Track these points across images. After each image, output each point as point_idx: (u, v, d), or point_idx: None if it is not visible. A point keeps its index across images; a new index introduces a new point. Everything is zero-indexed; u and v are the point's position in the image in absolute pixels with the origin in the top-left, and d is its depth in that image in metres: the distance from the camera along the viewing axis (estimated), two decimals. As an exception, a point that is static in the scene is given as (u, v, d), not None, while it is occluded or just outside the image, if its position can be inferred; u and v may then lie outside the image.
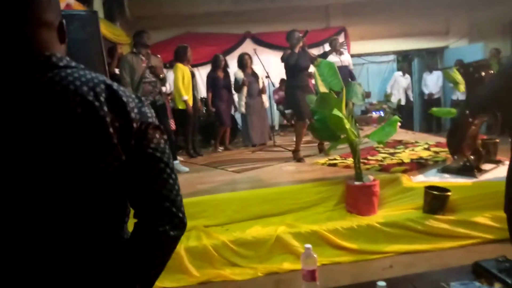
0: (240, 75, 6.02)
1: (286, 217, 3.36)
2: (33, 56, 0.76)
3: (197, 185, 3.94)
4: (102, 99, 0.77)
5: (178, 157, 5.12)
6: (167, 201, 0.83)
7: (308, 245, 1.57)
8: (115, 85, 0.82)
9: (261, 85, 6.17)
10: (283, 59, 4.64)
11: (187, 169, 4.66)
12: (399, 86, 9.28)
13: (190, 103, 5.25)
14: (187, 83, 5.25)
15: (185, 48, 5.35)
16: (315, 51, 6.49)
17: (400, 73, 9.46)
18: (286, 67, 4.67)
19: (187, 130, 5.55)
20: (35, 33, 0.77)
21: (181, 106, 5.24)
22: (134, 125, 0.80)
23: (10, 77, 0.74)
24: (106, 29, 5.51)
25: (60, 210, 0.76)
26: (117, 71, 4.76)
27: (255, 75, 6.16)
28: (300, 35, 4.67)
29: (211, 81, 5.90)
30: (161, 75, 4.50)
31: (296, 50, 4.59)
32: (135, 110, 0.81)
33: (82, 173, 0.76)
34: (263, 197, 3.47)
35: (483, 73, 3.68)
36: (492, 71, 3.82)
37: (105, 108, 0.77)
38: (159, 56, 5.25)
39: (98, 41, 3.80)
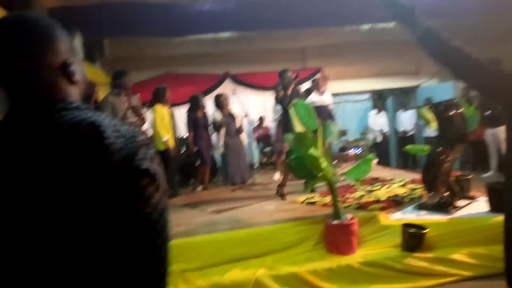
0: (218, 115, 6.08)
1: (265, 258, 3.29)
2: (33, 101, 0.76)
3: (174, 227, 3.81)
4: (83, 143, 0.70)
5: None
6: (147, 269, 0.72)
7: (284, 291, 1.54)
8: (104, 126, 0.73)
9: (238, 125, 6.23)
10: (277, 99, 4.78)
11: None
12: (375, 124, 9.54)
13: (171, 143, 5.24)
14: (167, 123, 5.26)
15: (164, 89, 5.41)
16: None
17: (375, 111, 9.74)
18: (282, 107, 4.84)
19: (167, 170, 5.49)
20: (31, 77, 0.77)
21: (161, 147, 5.21)
22: (114, 170, 0.70)
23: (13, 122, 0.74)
24: (86, 70, 5.54)
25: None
26: None
27: (231, 116, 6.23)
28: (292, 76, 4.92)
29: (192, 121, 5.93)
30: (142, 115, 4.51)
31: (289, 91, 4.76)
32: (122, 152, 0.71)
33: (58, 222, 0.70)
34: (242, 238, 3.42)
35: (452, 112, 3.83)
36: (461, 110, 3.98)
37: (84, 153, 0.70)
38: (138, 94, 5.27)
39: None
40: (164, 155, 5.27)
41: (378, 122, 9.62)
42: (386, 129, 9.76)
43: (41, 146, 0.71)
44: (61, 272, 0.70)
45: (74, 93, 0.82)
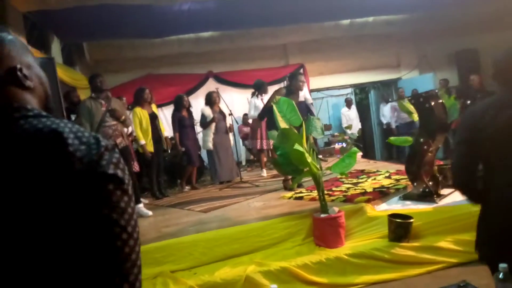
0: (208, 112, 6.05)
1: (255, 255, 3.32)
2: None
3: (162, 228, 3.84)
4: (44, 151, 0.68)
5: (143, 200, 5.00)
6: (118, 276, 0.69)
7: (274, 286, 1.55)
8: (66, 133, 0.71)
9: (228, 124, 6.22)
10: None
11: (150, 212, 4.53)
12: (349, 120, 9.61)
13: (149, 145, 5.20)
14: (146, 126, 5.20)
15: (142, 91, 5.35)
16: (276, 87, 6.64)
17: (346, 108, 9.82)
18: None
19: (151, 171, 5.46)
20: None
21: (141, 150, 5.18)
22: (78, 177, 0.68)
23: None
24: (65, 74, 5.47)
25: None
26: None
27: (222, 113, 6.22)
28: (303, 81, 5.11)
29: (178, 121, 5.89)
30: (122, 117, 4.46)
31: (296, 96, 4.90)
32: (84, 160, 0.69)
33: (17, 233, 0.67)
34: (231, 236, 3.43)
35: (432, 103, 3.90)
36: (441, 101, 4.06)
37: (45, 162, 0.68)
38: (124, 98, 5.21)
39: (55, 88, 3.77)
40: (143, 158, 5.24)
41: (350, 117, 9.69)
42: (358, 123, 9.81)
43: (1, 157, 0.69)
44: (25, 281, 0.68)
45: (30, 100, 0.79)
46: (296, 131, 3.55)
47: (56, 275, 0.69)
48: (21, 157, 0.69)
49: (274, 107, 3.67)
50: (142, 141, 5.12)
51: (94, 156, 0.71)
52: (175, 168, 6.50)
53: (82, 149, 0.71)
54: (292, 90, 4.90)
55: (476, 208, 3.39)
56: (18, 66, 0.79)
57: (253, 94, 6.54)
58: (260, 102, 6.42)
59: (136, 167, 5.30)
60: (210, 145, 6.04)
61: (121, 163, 0.75)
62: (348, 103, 9.87)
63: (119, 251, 0.69)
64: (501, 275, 1.52)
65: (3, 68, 0.78)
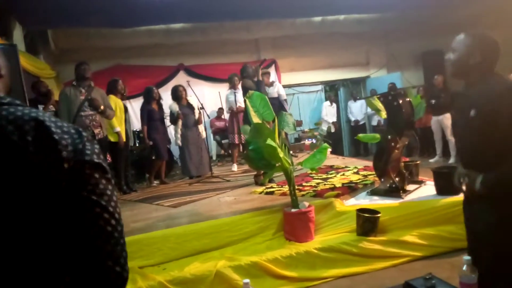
0: (175, 107, 5.95)
1: (226, 250, 3.31)
2: None
3: (131, 223, 3.76)
4: (29, 138, 0.69)
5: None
6: (110, 259, 0.72)
7: (246, 280, 1.55)
8: (47, 121, 0.72)
9: (196, 116, 6.15)
10: (244, 88, 4.85)
11: (118, 207, 4.43)
12: (329, 114, 9.80)
13: (123, 135, 5.09)
14: (120, 114, 5.11)
15: (117, 81, 5.31)
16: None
17: (328, 102, 10.01)
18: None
19: (119, 164, 5.31)
20: None
21: (113, 139, 5.02)
22: (66, 165, 0.70)
23: None
24: (28, 63, 5.23)
25: None
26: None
27: (190, 106, 6.13)
28: (256, 66, 5.11)
29: (147, 113, 5.77)
30: (100, 107, 4.33)
31: (259, 79, 4.95)
32: (69, 148, 0.72)
33: (5, 220, 0.67)
34: (201, 231, 3.40)
35: (400, 101, 4.01)
36: (409, 99, 4.18)
37: (31, 148, 0.68)
38: (102, 89, 5.06)
39: (18, 76, 3.60)
40: (114, 147, 5.10)
41: (331, 113, 9.89)
42: (335, 120, 10.05)
43: None
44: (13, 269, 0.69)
45: (1, 88, 0.79)
46: (268, 126, 3.55)
47: (44, 257, 0.71)
48: (2, 143, 0.68)
49: (247, 102, 3.65)
50: (117, 128, 5.00)
51: (79, 145, 0.74)
52: (143, 162, 6.38)
53: (66, 137, 0.73)
54: (251, 78, 5.04)
55: (439, 204, 3.54)
56: None
57: (229, 88, 6.58)
58: (233, 96, 6.41)
59: (108, 158, 5.19)
60: (179, 141, 5.96)
61: (101, 154, 0.78)
62: (331, 99, 10.03)
63: (110, 235, 0.73)
64: (464, 267, 1.59)
65: None
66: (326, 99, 10.37)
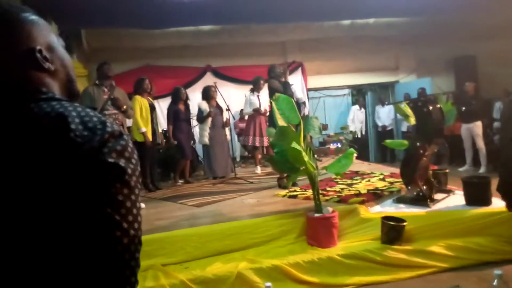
0: (205, 106, 6.02)
1: (247, 252, 3.31)
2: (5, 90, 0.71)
3: (155, 221, 3.82)
4: (49, 136, 0.66)
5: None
6: (109, 272, 0.68)
7: (269, 284, 1.54)
8: (72, 117, 0.68)
9: (225, 118, 6.20)
10: (271, 89, 4.82)
11: (143, 205, 4.51)
12: (357, 119, 9.69)
13: (149, 135, 5.18)
14: (146, 115, 5.20)
15: (143, 81, 5.36)
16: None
17: (357, 107, 9.90)
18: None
19: (145, 163, 5.40)
20: (7, 67, 0.73)
21: (138, 139, 5.12)
22: (78, 164, 0.66)
23: None
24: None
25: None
26: None
27: (219, 107, 6.19)
28: (284, 67, 5.18)
29: (173, 113, 5.86)
30: (123, 107, 4.43)
31: (284, 79, 4.98)
32: (85, 147, 0.67)
33: (27, 215, 0.66)
34: (224, 232, 3.41)
35: (430, 107, 3.91)
36: (439, 106, 4.07)
37: (47, 146, 0.66)
38: (122, 89, 5.16)
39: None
40: (141, 146, 5.20)
41: (359, 118, 9.79)
42: (364, 125, 9.93)
43: (4, 140, 0.67)
44: (22, 268, 0.67)
45: (50, 83, 0.76)
46: (294, 129, 3.54)
47: (53, 264, 0.67)
48: (28, 141, 0.67)
49: (273, 104, 3.65)
50: (143, 128, 5.09)
51: (95, 143, 0.68)
52: (169, 161, 6.47)
53: (85, 135, 0.68)
54: (279, 79, 5.01)
55: (468, 215, 3.43)
56: (38, 47, 0.76)
57: (251, 91, 6.55)
58: (256, 99, 6.42)
59: None
60: (206, 139, 6.02)
61: (126, 151, 0.71)
62: (360, 104, 9.94)
63: (116, 243, 0.67)
64: (495, 282, 1.53)
65: (23, 49, 0.75)
66: (354, 103, 10.25)
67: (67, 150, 0.66)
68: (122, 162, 0.69)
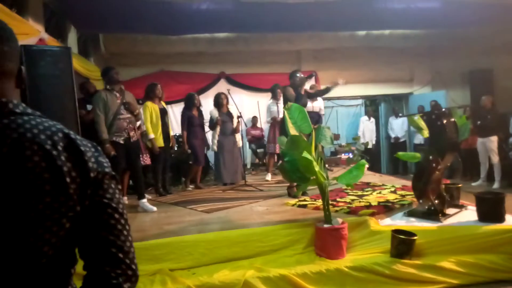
0: (216, 113, 6.09)
1: (255, 260, 3.30)
2: None
3: (164, 225, 3.84)
4: (60, 148, 0.76)
5: (147, 195, 5.01)
6: (121, 252, 0.81)
7: (275, 293, 1.54)
8: (72, 134, 0.81)
9: (235, 125, 6.24)
10: (289, 99, 4.83)
11: (154, 208, 4.55)
12: (367, 130, 9.63)
13: (158, 141, 5.22)
14: (155, 121, 5.24)
15: (154, 86, 5.41)
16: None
17: (366, 117, 9.84)
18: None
19: (157, 167, 5.46)
20: None
21: (149, 145, 5.20)
22: (92, 174, 0.80)
23: None
24: (80, 65, 5.51)
25: (5, 258, 0.72)
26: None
27: (229, 115, 6.24)
28: (304, 76, 5.06)
29: (187, 119, 5.91)
30: (136, 111, 4.50)
31: (302, 91, 4.94)
32: (92, 160, 0.81)
33: (35, 222, 0.73)
34: (232, 239, 3.41)
35: (444, 121, 3.88)
36: (453, 119, 4.03)
37: (63, 158, 0.76)
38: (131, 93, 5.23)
39: (70, 77, 3.79)
40: (151, 151, 5.27)
41: (369, 128, 9.72)
42: (374, 135, 9.84)
43: (11, 147, 0.73)
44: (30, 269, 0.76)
45: (16, 95, 0.83)
46: (305, 138, 3.54)
47: (61, 255, 0.79)
48: (38, 150, 0.75)
49: (285, 113, 3.66)
50: (152, 135, 5.15)
51: (99, 158, 0.83)
52: (181, 166, 6.51)
53: (88, 150, 0.82)
54: (296, 87, 4.95)
55: (481, 231, 3.37)
56: (22, 67, 0.85)
57: (271, 98, 6.66)
58: (275, 107, 6.47)
59: (147, 159, 5.36)
60: (215, 147, 6.09)
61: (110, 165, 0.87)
62: (369, 114, 9.89)
63: (120, 232, 0.82)
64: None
65: (15, 70, 0.83)
66: (366, 114, 10.18)
67: (82, 160, 0.79)
68: (113, 171, 0.87)
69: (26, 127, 0.75)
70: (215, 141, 6.10)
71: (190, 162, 6.11)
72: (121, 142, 4.36)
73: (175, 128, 7.24)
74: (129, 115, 4.43)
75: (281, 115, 6.35)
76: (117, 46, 7.75)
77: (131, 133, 4.44)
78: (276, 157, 6.62)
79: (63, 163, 0.76)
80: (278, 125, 6.35)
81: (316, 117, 6.33)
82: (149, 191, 5.67)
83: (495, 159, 6.70)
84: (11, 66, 0.81)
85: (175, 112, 7.55)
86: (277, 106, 6.47)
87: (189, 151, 5.93)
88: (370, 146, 9.43)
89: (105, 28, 6.91)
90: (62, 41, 5.62)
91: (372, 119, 9.87)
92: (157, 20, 6.28)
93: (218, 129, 6.09)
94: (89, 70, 6.04)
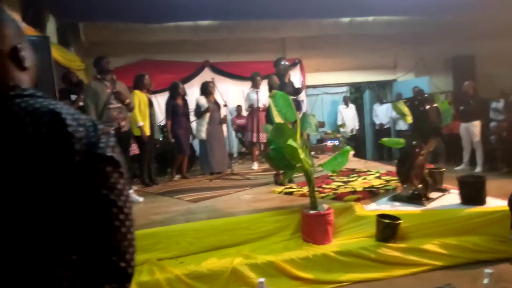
0: (203, 101, 6.02)
1: (242, 247, 3.32)
2: None
3: (151, 215, 3.82)
4: (44, 130, 0.71)
5: (133, 186, 4.96)
6: (115, 254, 0.72)
7: (262, 279, 1.55)
8: (64, 114, 0.73)
9: (222, 115, 6.21)
10: (274, 87, 4.80)
11: (141, 199, 4.52)
12: (346, 117, 9.68)
13: (146, 129, 5.18)
14: (144, 109, 5.21)
15: (143, 76, 5.41)
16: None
17: (344, 105, 9.88)
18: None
19: (143, 157, 5.41)
20: None
21: (136, 133, 5.14)
22: (77, 158, 0.71)
23: None
24: (59, 55, 5.38)
25: None
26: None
27: (216, 103, 6.20)
28: (288, 64, 5.04)
29: (171, 108, 5.85)
30: (126, 100, 4.43)
31: (286, 79, 4.92)
32: (83, 141, 0.72)
33: (15, 207, 0.70)
34: (219, 227, 3.42)
35: (427, 106, 3.92)
36: (436, 105, 4.08)
37: (45, 141, 0.70)
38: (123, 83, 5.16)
39: (49, 67, 3.71)
40: (139, 141, 5.22)
41: (348, 115, 9.76)
42: (357, 122, 9.90)
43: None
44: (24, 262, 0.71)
45: (25, 80, 0.80)
46: (290, 126, 3.54)
47: (54, 253, 0.73)
48: (20, 134, 0.70)
49: (270, 101, 3.65)
50: (141, 123, 5.11)
51: (93, 138, 0.74)
52: (166, 156, 6.47)
53: (81, 130, 0.73)
54: (280, 75, 4.94)
55: (463, 214, 3.44)
56: (19, 46, 0.80)
57: (251, 87, 6.57)
58: (254, 95, 6.42)
59: (136, 149, 5.32)
60: (203, 135, 6.02)
61: (117, 148, 0.78)
62: (346, 101, 9.91)
63: (117, 230, 0.73)
64: (485, 281, 1.54)
65: (6, 47, 0.78)
66: (343, 102, 10.14)
67: (66, 143, 0.71)
68: (116, 156, 0.76)
69: (14, 110, 0.72)
70: (203, 129, 6.03)
71: (175, 152, 6.07)
72: (111, 132, 4.30)
73: (160, 118, 7.18)
74: (119, 105, 4.37)
75: (260, 104, 6.32)
76: (98, 35, 7.57)
77: (122, 123, 4.39)
78: (261, 146, 6.59)
79: (45, 147, 0.70)
80: (257, 113, 6.32)
81: (295, 104, 6.32)
82: (135, 182, 5.63)
83: (478, 143, 6.83)
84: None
85: (159, 101, 7.46)
86: (257, 95, 6.40)
87: (173, 140, 5.87)
88: (354, 132, 9.50)
89: (85, 17, 6.75)
90: (40, 31, 5.47)
91: (351, 105, 9.89)
92: (139, 8, 6.15)
93: (207, 117, 6.02)
94: (69, 60, 5.91)
